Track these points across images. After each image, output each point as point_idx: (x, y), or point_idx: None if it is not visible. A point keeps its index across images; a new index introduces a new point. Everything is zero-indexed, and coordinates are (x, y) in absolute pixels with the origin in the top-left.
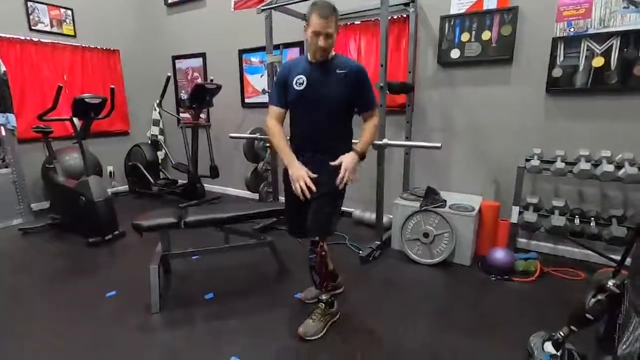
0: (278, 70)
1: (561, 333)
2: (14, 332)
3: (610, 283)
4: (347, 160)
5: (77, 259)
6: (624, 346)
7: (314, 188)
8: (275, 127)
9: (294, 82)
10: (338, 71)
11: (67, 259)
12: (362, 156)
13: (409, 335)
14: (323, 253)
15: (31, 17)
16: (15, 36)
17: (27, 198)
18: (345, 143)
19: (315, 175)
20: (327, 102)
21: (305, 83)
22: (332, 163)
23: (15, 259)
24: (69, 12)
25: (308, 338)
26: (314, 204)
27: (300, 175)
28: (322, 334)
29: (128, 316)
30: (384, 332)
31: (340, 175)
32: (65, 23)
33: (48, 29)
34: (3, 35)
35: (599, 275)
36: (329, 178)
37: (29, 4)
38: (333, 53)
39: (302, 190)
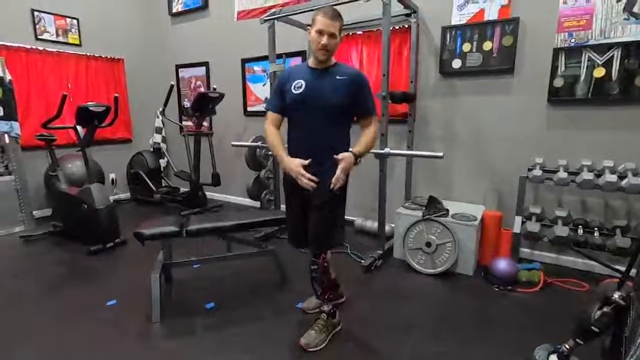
0: None
1: (566, 346)
2: (14, 339)
3: (616, 295)
4: (346, 160)
5: (79, 266)
6: (632, 359)
7: (314, 178)
8: (271, 128)
9: (293, 87)
10: (337, 77)
11: (68, 266)
12: (358, 159)
13: (411, 345)
14: (325, 264)
15: (37, 26)
16: (21, 45)
17: (29, 205)
18: (342, 151)
19: (307, 162)
20: (324, 107)
21: (303, 87)
22: (336, 156)
23: (16, 266)
24: (75, 21)
25: (310, 349)
26: (313, 216)
27: (296, 169)
28: (324, 345)
29: (128, 325)
30: (386, 342)
31: (335, 176)
32: (70, 32)
33: (54, 38)
34: (9, 44)
35: (603, 287)
36: (327, 189)
37: (36, 13)
38: (334, 61)
39: (307, 182)
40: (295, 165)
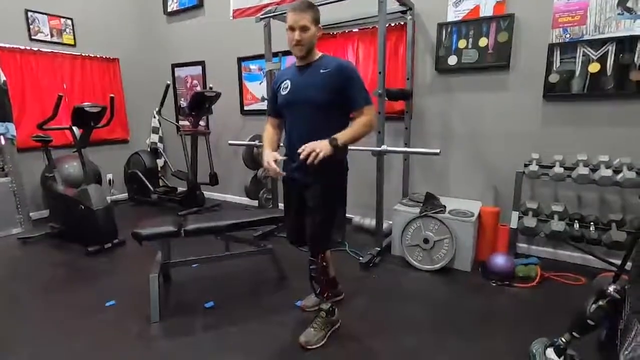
0: None
1: (563, 339)
2: (12, 341)
3: (611, 288)
4: (317, 144)
5: (77, 267)
6: (626, 352)
7: (276, 168)
8: (268, 128)
9: (281, 88)
10: (321, 70)
11: (67, 267)
12: (335, 146)
13: (410, 341)
14: (324, 264)
15: (31, 27)
16: (15, 46)
17: (27, 207)
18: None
19: (284, 158)
20: (310, 104)
21: (289, 87)
22: (299, 150)
23: (14, 268)
24: (69, 21)
25: (309, 347)
26: (310, 217)
27: (265, 160)
28: (323, 342)
29: (127, 325)
30: (385, 339)
31: (301, 149)
32: (65, 32)
33: (48, 38)
34: (3, 45)
35: (599, 281)
36: (322, 189)
37: (29, 14)
38: (320, 54)
39: (274, 172)
40: (266, 155)
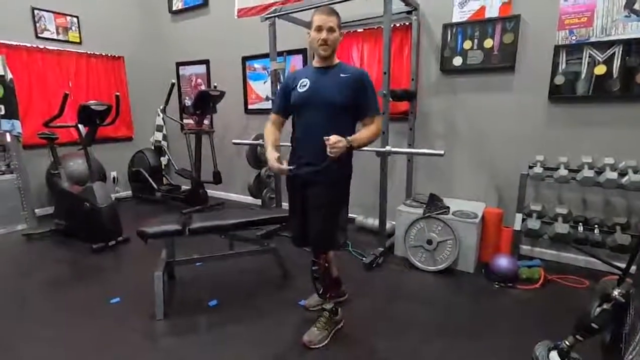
0: (282, 77)
1: (567, 342)
2: (17, 338)
3: (616, 292)
4: (337, 136)
5: (81, 264)
6: (631, 356)
7: (281, 167)
8: (269, 126)
9: (298, 85)
10: (341, 75)
11: (71, 264)
12: (350, 147)
13: (413, 342)
14: (326, 264)
15: (38, 24)
16: (22, 44)
17: (32, 203)
18: (345, 153)
19: (289, 167)
20: (328, 104)
21: (308, 86)
22: (326, 137)
23: (18, 264)
24: (75, 19)
25: (313, 346)
26: (313, 217)
27: (270, 161)
28: (326, 341)
29: (132, 323)
30: (388, 339)
31: (331, 141)
32: (71, 30)
33: (54, 36)
34: (10, 42)
35: (603, 284)
36: (327, 189)
37: (36, 11)
38: (338, 60)
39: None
40: (269, 154)
